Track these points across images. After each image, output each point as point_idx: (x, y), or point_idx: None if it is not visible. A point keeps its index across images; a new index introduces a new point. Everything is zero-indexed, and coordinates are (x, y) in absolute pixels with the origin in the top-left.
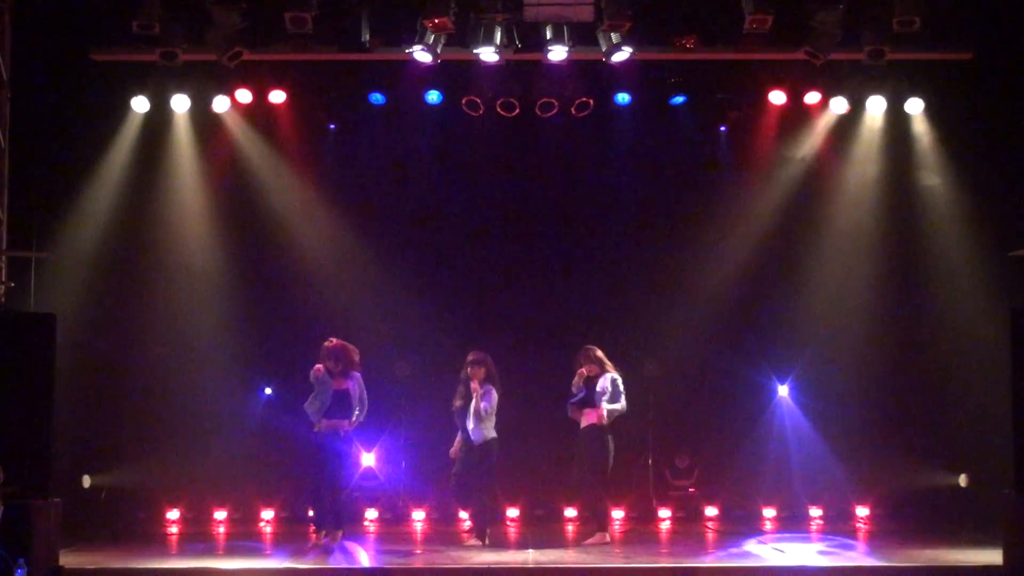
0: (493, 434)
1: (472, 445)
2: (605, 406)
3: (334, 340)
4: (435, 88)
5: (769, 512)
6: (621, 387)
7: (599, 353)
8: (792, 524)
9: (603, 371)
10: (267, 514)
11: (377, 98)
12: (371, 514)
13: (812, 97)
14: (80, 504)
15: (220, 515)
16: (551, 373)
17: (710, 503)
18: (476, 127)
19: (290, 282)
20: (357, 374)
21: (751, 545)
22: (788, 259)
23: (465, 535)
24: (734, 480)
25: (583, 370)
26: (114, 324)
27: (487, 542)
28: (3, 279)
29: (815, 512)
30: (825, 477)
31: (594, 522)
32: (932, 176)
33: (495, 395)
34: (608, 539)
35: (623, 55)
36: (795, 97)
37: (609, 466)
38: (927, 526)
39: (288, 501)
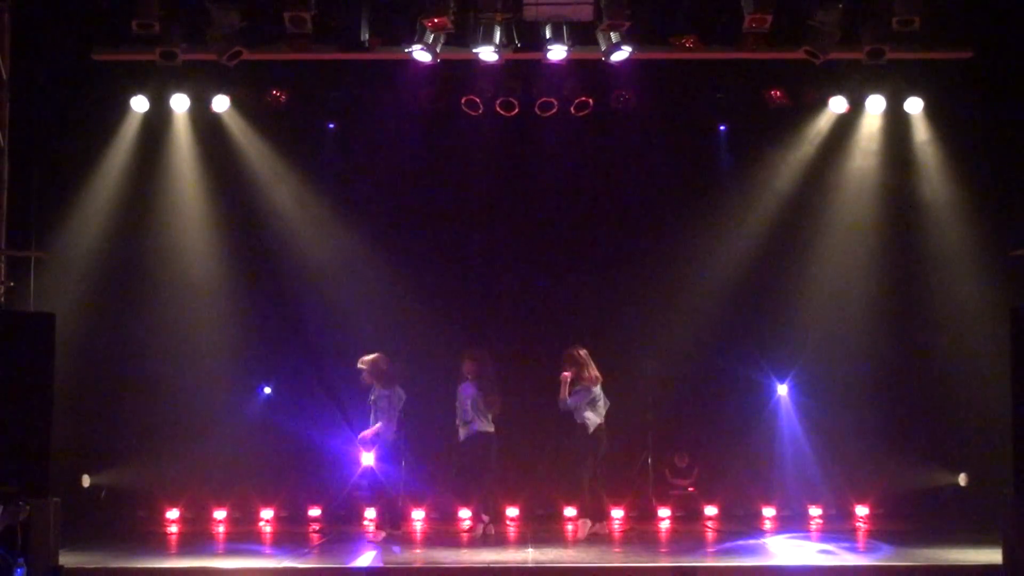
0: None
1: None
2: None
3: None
4: (434, 88)
5: (769, 512)
6: (592, 395)
7: (577, 354)
8: (792, 524)
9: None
10: (267, 514)
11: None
12: (371, 514)
13: (812, 97)
14: (80, 504)
15: (220, 515)
16: (551, 372)
17: (710, 502)
18: (475, 126)
19: (289, 281)
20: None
21: (752, 545)
22: (788, 258)
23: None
24: (734, 480)
25: (566, 374)
26: (114, 324)
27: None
28: (3, 279)
29: (815, 512)
30: (825, 477)
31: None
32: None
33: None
34: (590, 526)
35: (622, 54)
36: (795, 97)
37: (593, 458)
38: (927, 526)
39: (288, 501)
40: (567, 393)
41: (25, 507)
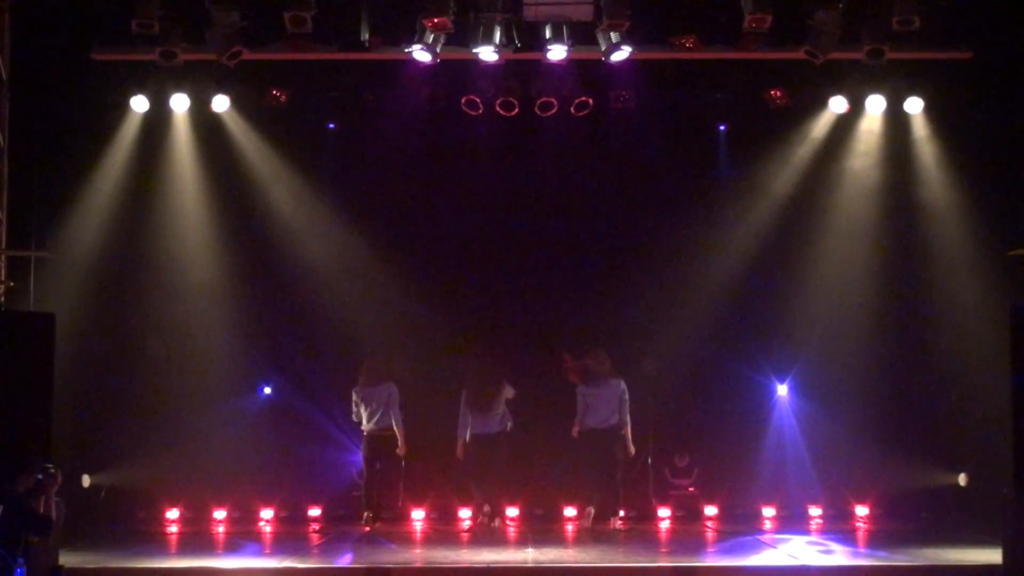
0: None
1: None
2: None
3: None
4: (434, 88)
5: (769, 512)
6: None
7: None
8: (792, 524)
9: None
10: (267, 513)
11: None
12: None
13: (812, 97)
14: (80, 504)
15: (220, 515)
16: (550, 372)
17: (710, 502)
18: (475, 126)
19: (289, 281)
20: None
21: (752, 545)
22: (787, 258)
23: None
24: (734, 480)
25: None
26: (114, 324)
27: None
28: (3, 279)
29: (815, 512)
30: (825, 477)
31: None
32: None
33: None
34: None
35: (622, 54)
36: (795, 97)
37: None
38: (927, 526)
39: (288, 501)
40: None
41: (56, 472)
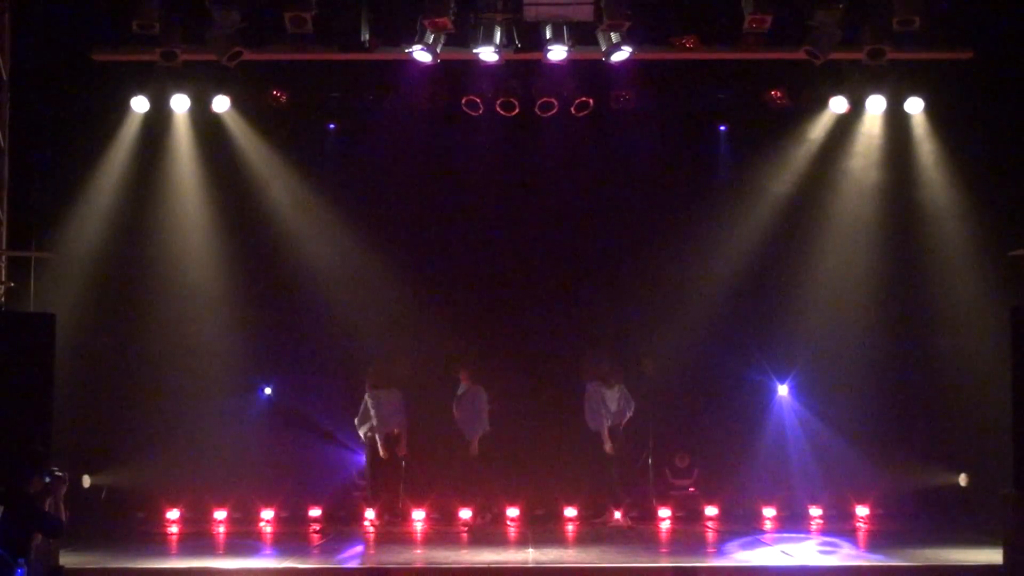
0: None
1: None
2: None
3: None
4: (434, 88)
5: (769, 512)
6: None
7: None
8: (792, 524)
9: None
10: (267, 514)
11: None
12: (371, 514)
13: (812, 97)
14: (80, 504)
15: (220, 515)
16: (550, 373)
17: (710, 503)
18: (476, 126)
19: (289, 281)
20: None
21: (752, 545)
22: (788, 259)
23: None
24: (734, 480)
25: None
26: (114, 324)
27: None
28: (3, 279)
29: (815, 512)
30: (825, 477)
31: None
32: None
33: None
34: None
35: (623, 55)
36: (795, 97)
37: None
38: (927, 526)
39: (288, 501)
40: None
41: (65, 477)
